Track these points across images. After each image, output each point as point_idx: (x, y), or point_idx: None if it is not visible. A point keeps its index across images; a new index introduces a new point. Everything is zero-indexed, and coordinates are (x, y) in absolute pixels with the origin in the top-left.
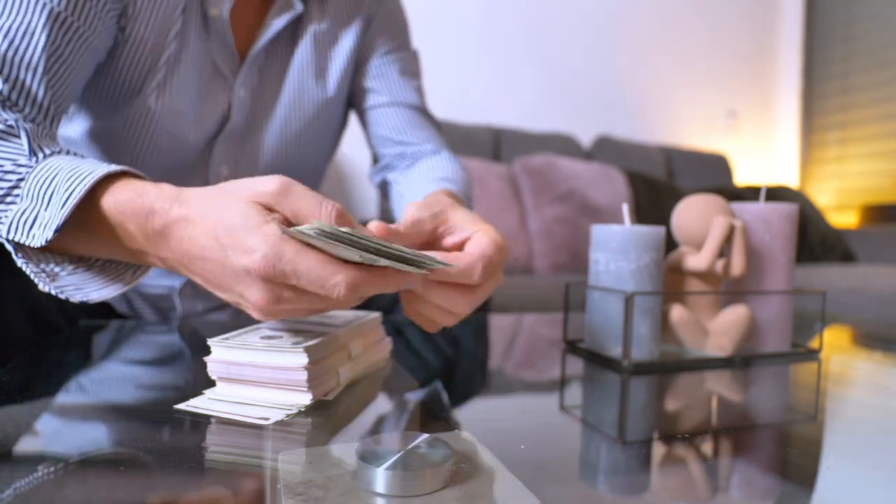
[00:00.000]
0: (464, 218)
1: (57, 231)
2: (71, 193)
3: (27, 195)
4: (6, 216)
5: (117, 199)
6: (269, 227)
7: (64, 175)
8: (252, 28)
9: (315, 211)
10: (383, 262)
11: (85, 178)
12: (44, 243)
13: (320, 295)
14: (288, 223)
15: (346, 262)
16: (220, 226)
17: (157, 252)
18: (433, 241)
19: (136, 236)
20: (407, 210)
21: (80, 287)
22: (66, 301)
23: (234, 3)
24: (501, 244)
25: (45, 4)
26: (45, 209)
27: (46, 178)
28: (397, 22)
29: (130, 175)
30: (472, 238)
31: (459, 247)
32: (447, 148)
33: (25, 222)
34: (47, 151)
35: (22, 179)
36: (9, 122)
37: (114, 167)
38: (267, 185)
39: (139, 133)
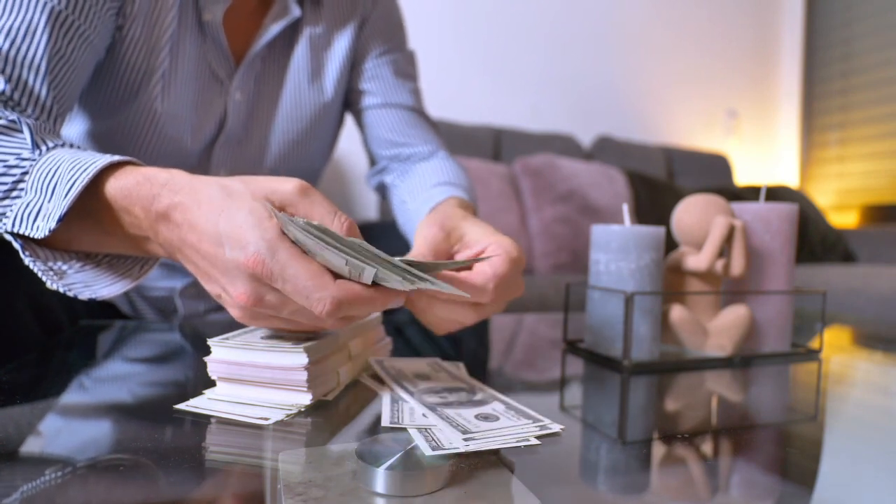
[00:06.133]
0: (477, 231)
1: (60, 220)
2: (74, 183)
3: (31, 188)
4: (11, 210)
5: (124, 184)
6: (269, 224)
7: (66, 166)
8: (248, 32)
9: (328, 220)
10: (369, 271)
11: (87, 168)
12: (47, 233)
13: (302, 308)
14: None
15: (336, 278)
16: (224, 216)
17: (158, 236)
18: (449, 258)
19: (140, 220)
20: (420, 231)
21: (88, 284)
22: (70, 300)
23: (229, 8)
24: (515, 257)
25: (45, 3)
26: (49, 201)
27: (49, 170)
28: (392, 23)
29: (132, 164)
30: (485, 253)
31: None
32: (444, 149)
33: (29, 215)
34: (50, 144)
35: (26, 173)
36: (10, 118)
37: (116, 157)
38: (286, 184)
39: (137, 136)
